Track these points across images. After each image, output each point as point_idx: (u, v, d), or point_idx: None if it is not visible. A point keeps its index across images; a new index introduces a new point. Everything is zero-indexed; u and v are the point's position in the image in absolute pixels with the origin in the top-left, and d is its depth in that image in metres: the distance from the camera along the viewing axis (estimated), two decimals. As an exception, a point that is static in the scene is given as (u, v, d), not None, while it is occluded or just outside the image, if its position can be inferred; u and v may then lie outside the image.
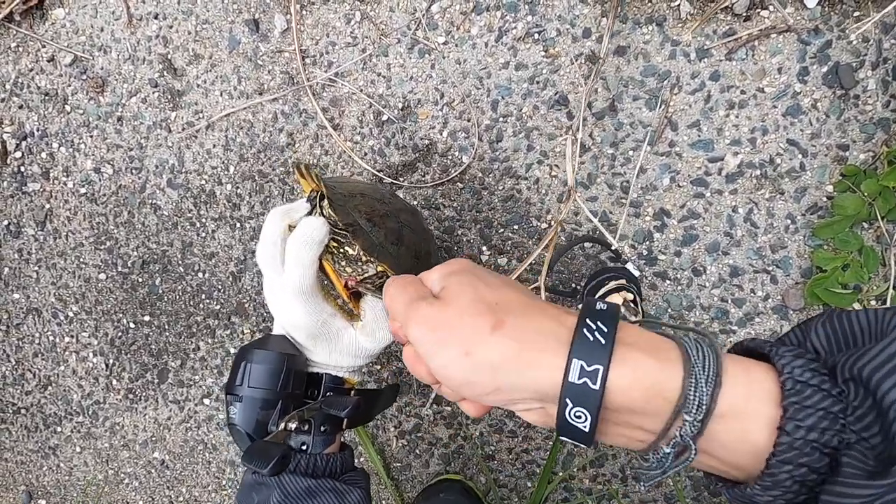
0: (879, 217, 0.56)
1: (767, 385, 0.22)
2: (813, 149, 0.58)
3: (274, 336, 0.46)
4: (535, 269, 0.66)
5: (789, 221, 0.60)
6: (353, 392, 0.47)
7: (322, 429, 0.44)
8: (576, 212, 0.65)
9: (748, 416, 0.22)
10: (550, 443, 0.70)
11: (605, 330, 0.24)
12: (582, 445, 0.25)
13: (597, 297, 0.57)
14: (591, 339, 0.24)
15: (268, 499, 0.42)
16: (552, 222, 0.66)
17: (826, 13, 0.56)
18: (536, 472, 0.71)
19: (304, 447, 0.44)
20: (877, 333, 0.22)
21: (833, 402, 0.21)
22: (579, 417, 0.24)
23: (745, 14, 0.58)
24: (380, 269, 0.44)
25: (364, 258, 0.43)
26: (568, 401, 0.23)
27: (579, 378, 0.23)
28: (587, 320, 0.24)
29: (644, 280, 0.64)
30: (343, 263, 0.44)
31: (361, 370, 0.49)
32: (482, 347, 0.25)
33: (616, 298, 0.56)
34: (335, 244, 0.43)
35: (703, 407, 0.22)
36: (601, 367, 0.23)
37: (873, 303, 0.59)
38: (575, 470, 0.70)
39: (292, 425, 0.42)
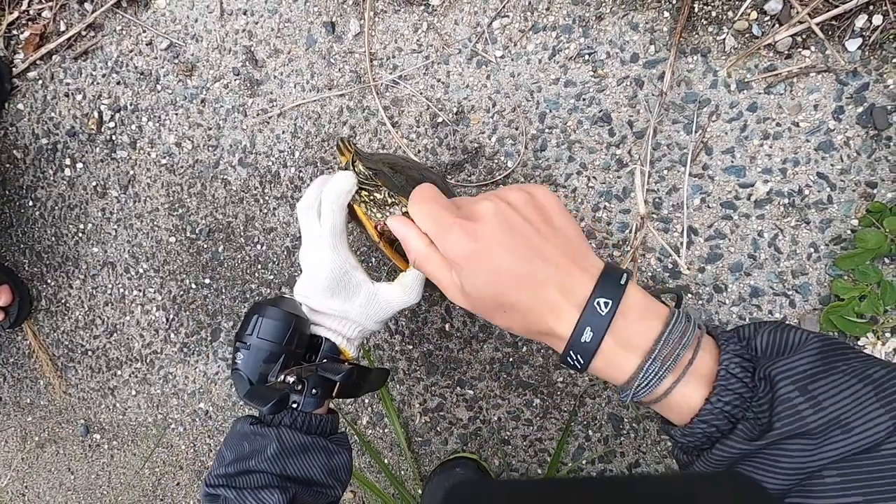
0: (900, 254, 0.59)
1: (709, 368, 0.32)
2: (841, 183, 0.61)
3: (287, 298, 0.50)
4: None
5: (812, 250, 0.63)
6: (346, 364, 0.51)
7: (314, 391, 0.48)
8: (608, 221, 0.70)
9: (689, 389, 0.32)
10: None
11: (610, 302, 0.32)
12: (578, 366, 0.33)
13: None
14: (598, 311, 0.32)
15: (264, 448, 0.45)
16: (584, 229, 0.71)
17: (866, 57, 0.59)
18: (547, 460, 0.76)
19: (294, 405, 0.47)
20: (795, 350, 0.31)
21: (747, 390, 0.30)
22: (582, 349, 0.33)
23: (786, 52, 0.61)
24: (404, 210, 0.48)
25: (390, 200, 0.49)
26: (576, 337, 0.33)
27: (583, 332, 0.32)
28: (599, 291, 0.33)
29: (667, 293, 0.68)
30: (374, 210, 0.49)
31: (359, 345, 0.53)
32: (497, 319, 0.35)
33: None
34: (366, 192, 0.49)
35: (650, 387, 0.32)
36: (601, 331, 0.32)
37: (888, 334, 0.62)
38: (583, 462, 0.74)
39: (290, 379, 0.46)
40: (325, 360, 0.50)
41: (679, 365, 0.32)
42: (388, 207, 0.50)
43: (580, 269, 0.33)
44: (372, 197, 0.49)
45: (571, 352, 0.33)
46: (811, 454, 0.27)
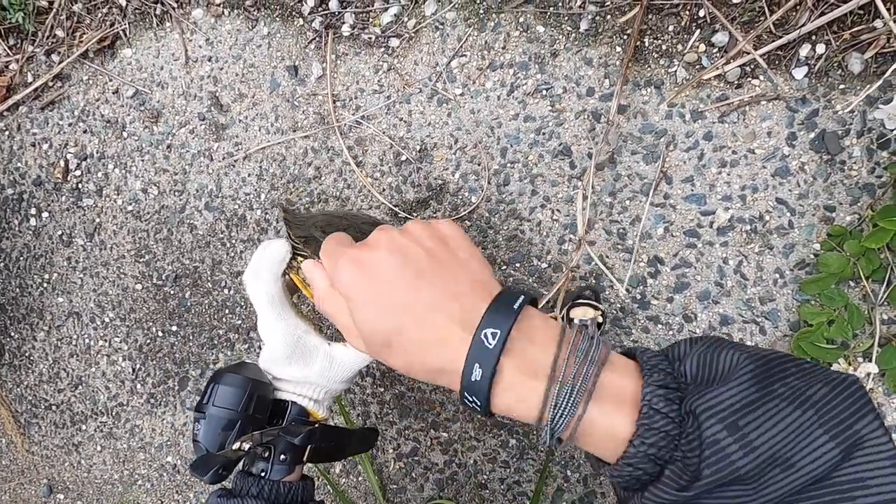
0: (863, 277, 0.58)
1: (633, 397, 0.28)
2: (801, 208, 0.62)
3: (248, 363, 0.49)
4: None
5: (777, 276, 0.63)
6: (316, 425, 0.49)
7: (282, 457, 0.46)
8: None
9: (611, 421, 0.28)
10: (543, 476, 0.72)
11: (498, 333, 0.28)
12: (478, 406, 0.29)
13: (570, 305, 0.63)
14: (485, 344, 0.28)
15: None
16: (552, 262, 0.70)
17: (813, 84, 0.60)
18: (526, 503, 0.73)
19: (262, 473, 0.46)
20: (726, 378, 0.27)
21: (673, 427, 0.26)
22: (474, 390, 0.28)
23: (736, 82, 0.62)
24: None
25: None
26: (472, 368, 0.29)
27: (472, 376, 0.28)
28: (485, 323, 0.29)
29: (637, 324, 0.67)
30: None
31: (328, 406, 0.51)
32: (388, 359, 0.31)
33: (587, 312, 0.62)
34: (301, 259, 0.48)
35: (565, 414, 0.27)
36: (488, 370, 0.28)
37: (860, 359, 0.60)
38: (564, 505, 0.71)
39: (246, 446, 0.44)
40: (292, 423, 0.48)
41: (597, 390, 0.27)
42: None
43: (479, 297, 0.30)
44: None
45: (466, 393, 0.29)
46: (751, 499, 0.25)
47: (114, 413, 0.94)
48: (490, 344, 0.28)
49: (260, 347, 0.85)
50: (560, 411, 0.27)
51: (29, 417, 1.00)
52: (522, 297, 0.29)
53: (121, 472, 0.95)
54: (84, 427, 0.96)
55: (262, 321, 0.48)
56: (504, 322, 0.28)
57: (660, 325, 0.67)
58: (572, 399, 0.27)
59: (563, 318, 0.65)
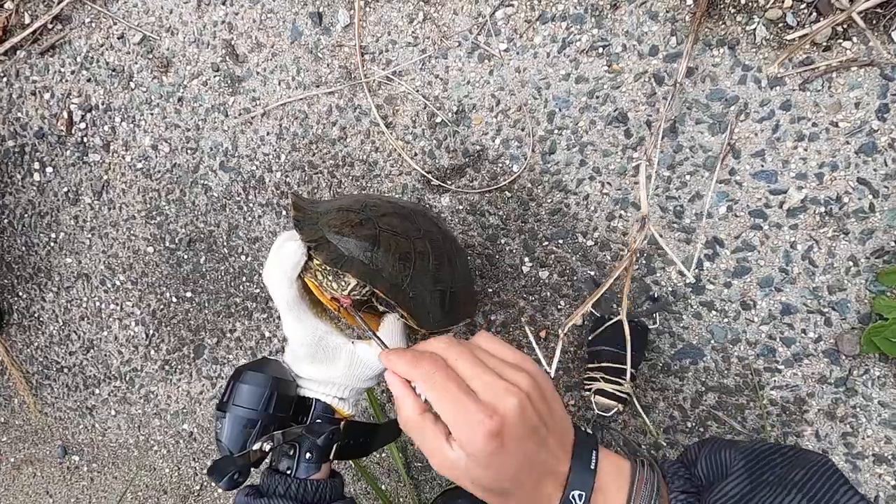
0: (952, 269, 0.53)
1: None
2: (885, 190, 0.55)
3: (271, 360, 0.48)
4: (579, 291, 0.65)
5: (851, 263, 0.57)
6: (342, 423, 0.48)
7: (307, 455, 0.45)
8: (624, 231, 0.64)
9: None
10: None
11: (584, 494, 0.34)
12: None
13: (591, 390, 0.64)
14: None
15: None
16: (598, 240, 0.65)
17: (915, 49, 0.53)
18: (557, 489, 0.71)
19: (289, 471, 0.46)
20: (727, 472, 0.34)
21: None
22: None
23: (825, 43, 0.55)
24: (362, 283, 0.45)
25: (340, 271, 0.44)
26: None
27: None
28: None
29: (689, 309, 0.63)
30: (329, 279, 0.45)
31: (355, 402, 0.50)
32: (491, 500, 0.36)
33: (609, 405, 0.61)
34: (317, 262, 0.45)
35: None
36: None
37: (934, 357, 0.56)
38: (596, 492, 0.69)
39: (267, 446, 0.43)
40: (318, 421, 0.47)
41: None
42: (341, 276, 0.44)
43: (565, 450, 0.35)
44: (324, 266, 0.44)
45: None
46: None
47: (127, 378, 0.91)
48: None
49: (278, 317, 0.81)
50: None
51: (41, 379, 0.98)
52: (595, 451, 0.35)
53: (136, 436, 0.93)
54: (97, 391, 0.94)
55: (283, 321, 0.47)
56: (586, 484, 0.34)
57: (714, 312, 0.62)
58: None
59: (592, 395, 0.62)
